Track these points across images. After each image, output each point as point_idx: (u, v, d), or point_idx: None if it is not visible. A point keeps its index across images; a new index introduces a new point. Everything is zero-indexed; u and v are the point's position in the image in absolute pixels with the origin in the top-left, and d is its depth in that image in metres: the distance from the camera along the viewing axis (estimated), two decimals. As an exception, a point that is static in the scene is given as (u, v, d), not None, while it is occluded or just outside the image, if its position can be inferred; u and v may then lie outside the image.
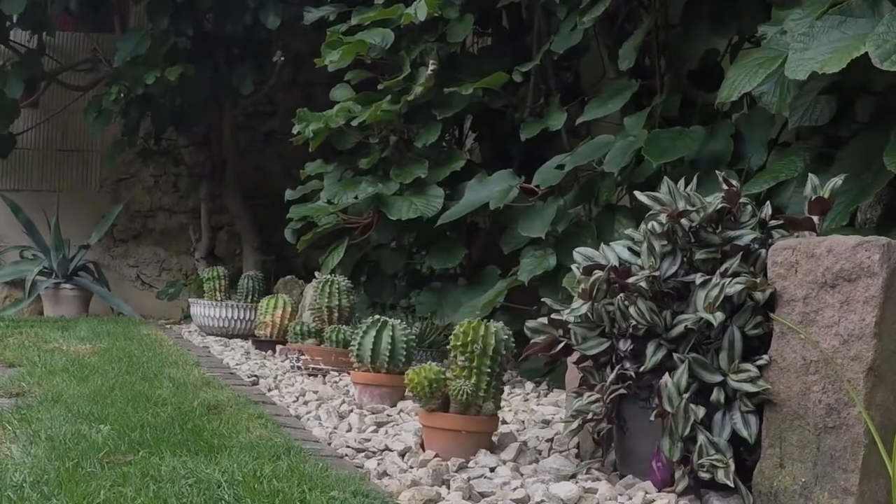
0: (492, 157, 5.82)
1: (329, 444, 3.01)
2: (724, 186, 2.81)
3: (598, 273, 2.66)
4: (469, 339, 2.91)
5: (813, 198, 2.59)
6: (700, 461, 2.46)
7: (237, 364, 4.86)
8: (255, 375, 4.41)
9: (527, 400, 4.10)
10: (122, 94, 6.52)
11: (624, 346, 2.62)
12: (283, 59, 6.61)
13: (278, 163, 8.72)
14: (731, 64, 4.39)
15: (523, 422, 3.50)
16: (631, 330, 2.60)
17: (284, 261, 8.22)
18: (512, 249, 4.79)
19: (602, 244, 2.89)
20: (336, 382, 4.30)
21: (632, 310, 2.55)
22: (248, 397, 3.54)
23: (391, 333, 3.75)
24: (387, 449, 2.97)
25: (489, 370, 2.91)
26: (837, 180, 2.62)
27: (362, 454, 2.91)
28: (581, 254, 2.86)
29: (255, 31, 6.69)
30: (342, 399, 3.79)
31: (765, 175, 3.46)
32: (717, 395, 2.50)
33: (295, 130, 5.64)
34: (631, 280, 2.55)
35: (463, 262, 5.23)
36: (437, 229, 5.30)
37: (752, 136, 3.98)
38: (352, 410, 3.56)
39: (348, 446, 2.97)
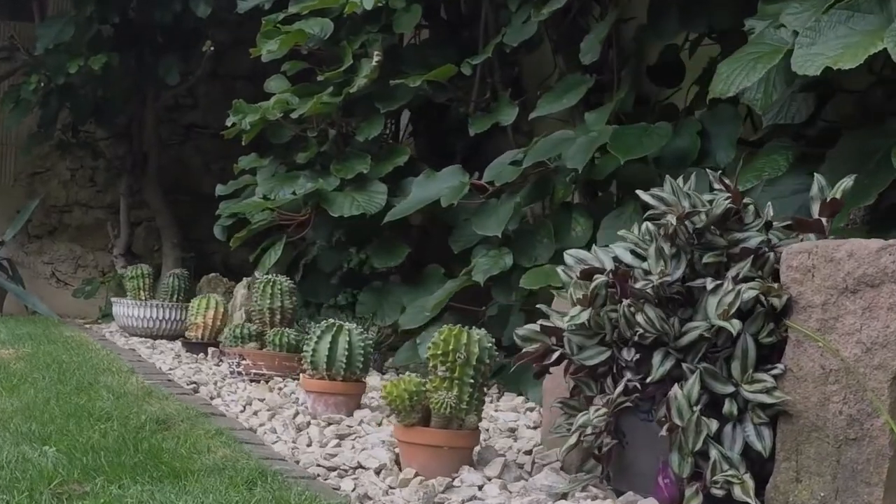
0: (428, 153, 5.57)
1: (297, 462, 2.73)
2: (717, 186, 2.63)
3: (599, 278, 2.44)
4: (451, 347, 2.66)
5: (828, 199, 2.42)
6: (714, 477, 2.26)
7: (170, 369, 4.52)
8: (195, 382, 4.08)
9: (482, 405, 3.86)
10: (41, 84, 6.08)
11: (628, 355, 2.41)
12: (212, 49, 6.24)
13: (198, 157, 8.34)
14: (689, 59, 4.28)
15: (487, 430, 3.27)
16: (637, 338, 2.39)
17: (203, 258, 7.85)
18: (462, 248, 4.56)
19: (595, 246, 2.67)
20: (281, 389, 4.00)
21: (639, 317, 2.34)
22: (197, 409, 3.23)
23: (348, 339, 3.48)
24: (360, 467, 2.71)
25: (472, 381, 2.67)
26: (848, 181, 2.45)
27: (334, 473, 2.64)
28: (573, 256, 2.64)
29: (184, 20, 6.30)
30: (294, 409, 3.50)
31: (746, 174, 3.28)
32: (729, 407, 2.31)
33: (229, 122, 5.31)
34: (639, 285, 2.34)
35: (403, 262, 4.97)
36: (378, 227, 5.05)
37: (718, 134, 3.83)
38: (309, 423, 3.28)
39: (318, 465, 2.70)
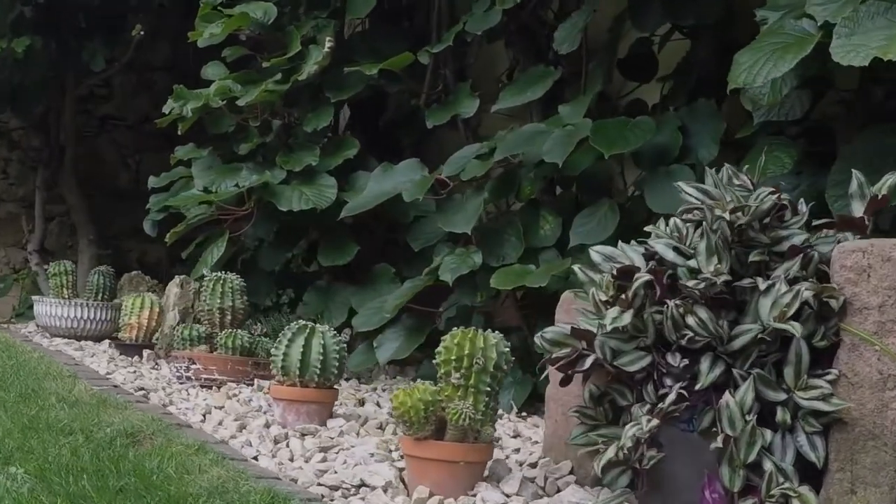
0: (368, 147, 5.28)
1: (294, 480, 2.43)
2: (738, 181, 2.44)
3: (641, 277, 2.22)
4: (466, 352, 2.41)
5: (875, 195, 2.25)
6: (771, 491, 2.07)
7: (108, 373, 4.13)
8: (143, 388, 3.72)
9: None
10: (-46, 69, 5.56)
11: (674, 360, 2.20)
12: (142, 33, 5.81)
13: (113, 150, 7.86)
14: (658, 53, 4.10)
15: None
16: (684, 342, 2.18)
17: (119, 255, 7.38)
18: (423, 246, 4.29)
19: (621, 243, 2.45)
20: (236, 396, 3.67)
21: (690, 319, 2.12)
22: (162, 420, 2.89)
23: (322, 342, 3.18)
24: (364, 485, 2.43)
25: (489, 389, 2.42)
26: (892, 178, 2.29)
27: (338, 492, 2.36)
28: (601, 253, 2.42)
29: (110, 3, 5.86)
30: (264, 419, 3.19)
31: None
32: (782, 415, 2.12)
33: (166, 109, 4.92)
34: (691, 283, 2.12)
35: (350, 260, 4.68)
36: (325, 223, 4.75)
37: (698, 130, 3.67)
38: (287, 434, 2.97)
39: (319, 483, 2.40)
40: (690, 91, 3.85)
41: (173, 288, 5.01)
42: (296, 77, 4.67)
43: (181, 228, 4.87)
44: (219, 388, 3.84)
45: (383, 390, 4.02)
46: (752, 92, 2.92)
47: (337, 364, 3.20)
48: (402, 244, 4.81)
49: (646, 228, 2.51)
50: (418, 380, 2.46)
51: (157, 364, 4.57)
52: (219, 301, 4.05)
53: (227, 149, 5.14)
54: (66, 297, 5.41)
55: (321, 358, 3.16)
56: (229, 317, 4.07)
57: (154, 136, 8.01)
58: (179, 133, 5.08)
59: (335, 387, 3.27)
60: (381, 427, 3.24)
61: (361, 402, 3.68)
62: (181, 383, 3.90)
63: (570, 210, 4.00)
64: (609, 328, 2.23)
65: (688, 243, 2.27)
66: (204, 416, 3.32)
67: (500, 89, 4.44)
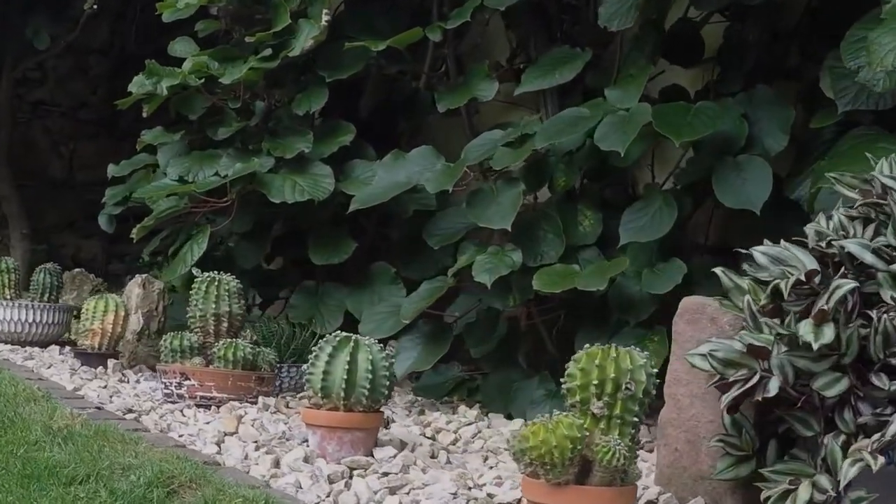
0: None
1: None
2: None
3: (844, 284, 1.71)
4: (610, 375, 1.86)
5: None
6: None
7: (76, 388, 3.43)
8: (131, 410, 3.05)
9: (480, 433, 3.06)
10: None
11: (881, 382, 1.70)
12: (95, 6, 5.05)
13: (46, 138, 7.07)
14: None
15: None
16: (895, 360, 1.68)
17: (52, 251, 6.61)
18: (443, 244, 3.71)
19: (784, 242, 1.95)
20: (242, 417, 3.03)
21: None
22: (190, 459, 2.26)
23: (369, 357, 2.58)
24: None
25: (636, 419, 1.88)
26: None
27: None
28: (767, 254, 1.91)
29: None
30: (300, 450, 2.58)
31: (838, 165, 2.64)
32: None
33: (133, 88, 4.21)
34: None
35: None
36: (315, 217, 4.14)
37: (761, 118, 3.21)
38: (343, 473, 2.37)
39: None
40: (746, 76, 3.40)
41: (135, 289, 4.32)
42: (286, 53, 4.04)
43: (150, 223, 4.18)
44: (218, 407, 3.19)
45: (404, 409, 3.44)
46: (861, 77, 2.49)
47: (387, 383, 2.61)
48: (397, 241, 4.24)
49: (806, 227, 2.02)
50: (558, 412, 1.89)
51: (123, 376, 3.88)
52: (213, 306, 3.39)
53: (199, 134, 4.46)
54: (9, 297, 4.65)
55: (369, 377, 2.56)
56: (225, 324, 3.41)
57: (89, 124, 7.24)
58: (145, 115, 4.37)
59: (381, 410, 2.68)
60: (433, 456, 2.67)
61: (387, 423, 3.09)
62: (172, 402, 3.24)
63: (609, 205, 3.51)
64: (815, 346, 1.71)
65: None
66: (218, 445, 2.69)
67: (500, 73, 3.94)
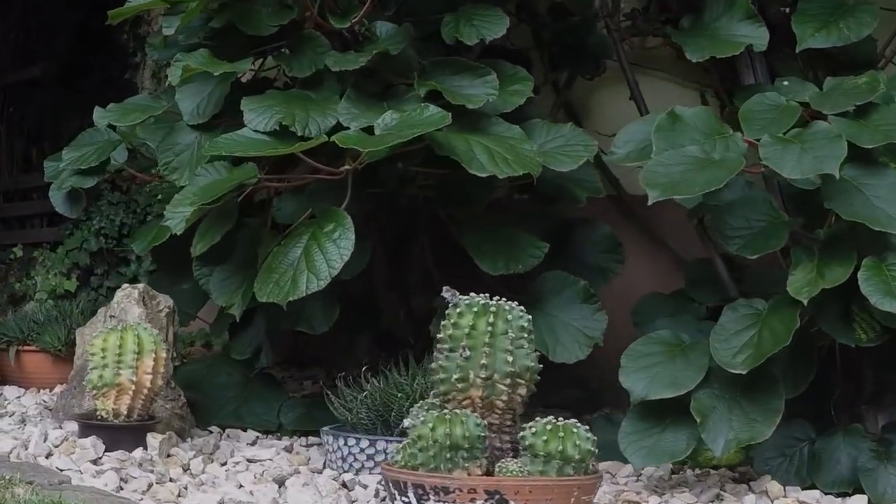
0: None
1: None
2: None
3: None
4: None
5: None
6: None
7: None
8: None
9: None
10: None
11: None
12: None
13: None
14: None
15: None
16: None
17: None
18: (760, 254, 2.28)
19: None
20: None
21: None
22: None
23: None
24: None
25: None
26: None
27: None
28: None
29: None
30: None
31: None
32: None
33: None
34: None
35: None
36: (468, 205, 2.58)
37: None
38: None
39: None
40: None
41: (132, 307, 2.54)
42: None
43: (210, 202, 2.36)
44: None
45: None
46: None
47: None
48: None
49: None
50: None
51: (187, 466, 2.09)
52: (508, 363, 1.71)
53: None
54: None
55: None
56: (522, 389, 1.75)
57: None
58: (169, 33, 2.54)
59: None
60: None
61: None
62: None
63: None
64: None
65: None
66: None
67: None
